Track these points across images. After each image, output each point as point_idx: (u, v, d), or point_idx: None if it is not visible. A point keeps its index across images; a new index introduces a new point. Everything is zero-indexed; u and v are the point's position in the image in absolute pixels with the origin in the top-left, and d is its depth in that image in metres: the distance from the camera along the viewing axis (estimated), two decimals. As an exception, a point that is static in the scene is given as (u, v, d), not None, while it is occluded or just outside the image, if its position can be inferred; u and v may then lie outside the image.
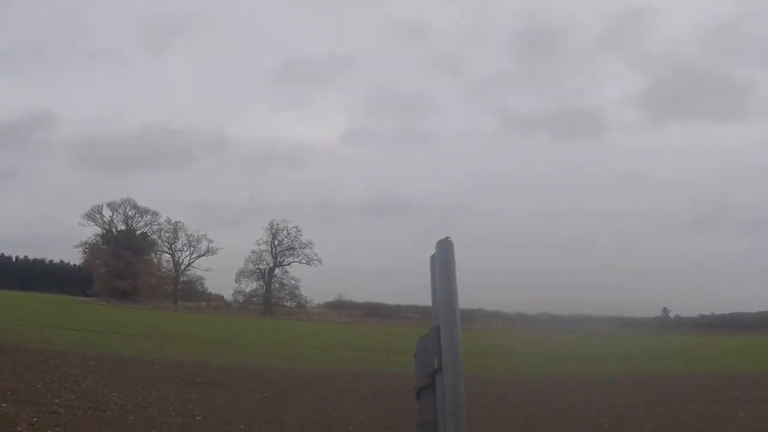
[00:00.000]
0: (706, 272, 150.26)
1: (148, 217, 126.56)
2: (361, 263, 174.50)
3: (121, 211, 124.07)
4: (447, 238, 1.97)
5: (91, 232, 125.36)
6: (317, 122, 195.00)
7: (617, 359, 39.45)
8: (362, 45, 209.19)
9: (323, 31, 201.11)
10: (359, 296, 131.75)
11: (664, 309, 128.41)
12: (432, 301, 2.03)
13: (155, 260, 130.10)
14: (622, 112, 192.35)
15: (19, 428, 11.28)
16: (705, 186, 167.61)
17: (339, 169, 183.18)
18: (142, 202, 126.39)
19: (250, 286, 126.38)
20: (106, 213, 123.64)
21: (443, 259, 1.92)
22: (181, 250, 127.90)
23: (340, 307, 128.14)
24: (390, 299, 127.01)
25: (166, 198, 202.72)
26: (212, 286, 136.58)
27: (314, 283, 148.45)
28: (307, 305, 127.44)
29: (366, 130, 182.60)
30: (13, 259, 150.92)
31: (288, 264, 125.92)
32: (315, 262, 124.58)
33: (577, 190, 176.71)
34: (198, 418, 13.79)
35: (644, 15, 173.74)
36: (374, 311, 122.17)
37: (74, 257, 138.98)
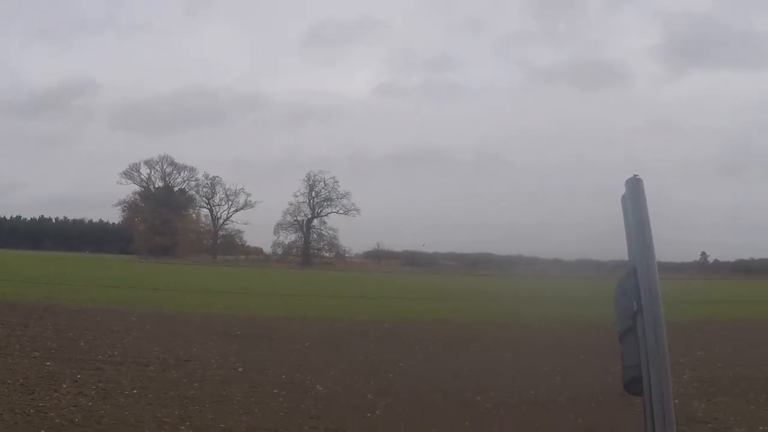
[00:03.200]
0: (740, 218, 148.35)
1: (186, 173, 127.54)
2: (398, 213, 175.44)
3: (158, 168, 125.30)
4: (635, 175, 1.85)
5: (130, 190, 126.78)
6: (348, 79, 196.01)
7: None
8: (391, 6, 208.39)
9: None
10: (398, 245, 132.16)
11: (703, 253, 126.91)
12: (627, 242, 1.92)
13: (194, 215, 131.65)
14: (643, 64, 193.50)
15: (64, 385, 11.37)
16: (730, 133, 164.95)
17: (371, 124, 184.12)
18: (179, 160, 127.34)
19: (289, 237, 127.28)
20: (144, 171, 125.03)
21: (634, 198, 1.84)
22: (219, 205, 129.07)
23: (378, 256, 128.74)
24: (428, 248, 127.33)
25: (203, 156, 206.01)
26: (251, 239, 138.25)
27: (352, 233, 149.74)
28: (346, 255, 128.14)
29: (396, 86, 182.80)
30: (53, 221, 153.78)
31: (326, 215, 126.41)
32: (353, 212, 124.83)
33: (604, 140, 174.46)
34: (240, 369, 13.83)
35: None
36: (412, 260, 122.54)
37: (114, 217, 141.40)
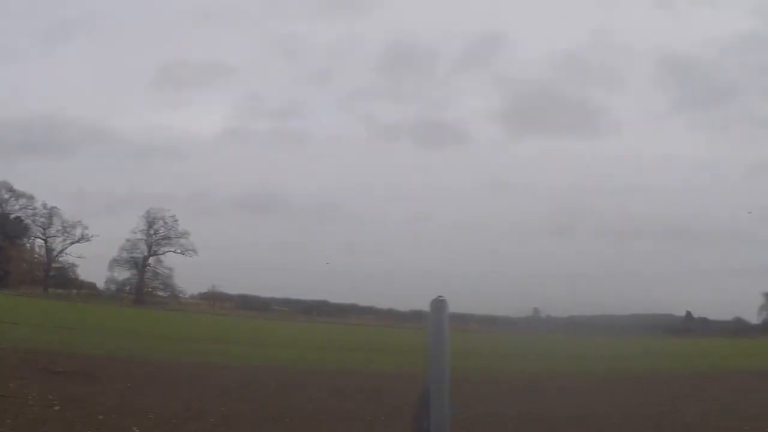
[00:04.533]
0: (571, 276, 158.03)
1: (24, 201, 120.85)
2: (236, 255, 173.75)
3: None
4: (440, 297, 1.93)
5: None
6: (197, 120, 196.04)
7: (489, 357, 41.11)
8: (243, 53, 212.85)
9: (208, 37, 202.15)
10: (233, 288, 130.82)
11: (535, 309, 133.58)
12: (427, 356, 1.97)
13: (28, 245, 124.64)
14: (483, 126, 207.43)
15: None
16: (562, 195, 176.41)
17: (217, 166, 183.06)
18: (19, 188, 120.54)
19: (123, 274, 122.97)
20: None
21: (436, 320, 1.87)
22: (54, 236, 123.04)
23: (213, 298, 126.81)
24: (264, 292, 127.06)
25: (45, 185, 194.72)
26: (85, 274, 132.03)
27: (189, 273, 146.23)
28: (181, 295, 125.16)
29: (244, 130, 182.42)
30: None
31: (163, 253, 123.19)
32: (190, 252, 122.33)
33: (442, 198, 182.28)
34: (56, 408, 13.72)
35: (502, 39, 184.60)
36: (247, 303, 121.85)
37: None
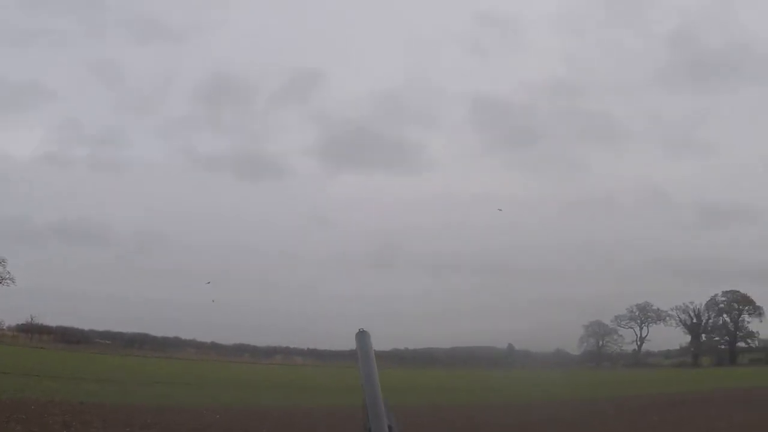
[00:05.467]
0: (392, 308, 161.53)
1: None
2: (57, 286, 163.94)
3: None
4: (361, 329, 2.03)
5: None
6: (12, 143, 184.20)
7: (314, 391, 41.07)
8: (61, 77, 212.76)
9: (25, 57, 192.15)
10: (52, 320, 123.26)
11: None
12: (362, 383, 1.99)
13: None
14: (302, 161, 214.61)
15: None
16: (382, 231, 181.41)
17: (33, 192, 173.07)
18: None
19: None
20: None
21: (363, 350, 1.97)
22: None
23: (31, 330, 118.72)
24: (85, 324, 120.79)
25: None
26: None
27: (6, 304, 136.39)
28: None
29: (61, 156, 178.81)
30: None
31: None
32: (7, 281, 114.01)
33: (264, 230, 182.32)
34: None
35: (321, 77, 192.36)
36: (67, 336, 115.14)
37: None
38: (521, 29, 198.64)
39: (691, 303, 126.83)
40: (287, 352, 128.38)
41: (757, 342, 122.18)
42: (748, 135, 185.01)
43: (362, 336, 1.92)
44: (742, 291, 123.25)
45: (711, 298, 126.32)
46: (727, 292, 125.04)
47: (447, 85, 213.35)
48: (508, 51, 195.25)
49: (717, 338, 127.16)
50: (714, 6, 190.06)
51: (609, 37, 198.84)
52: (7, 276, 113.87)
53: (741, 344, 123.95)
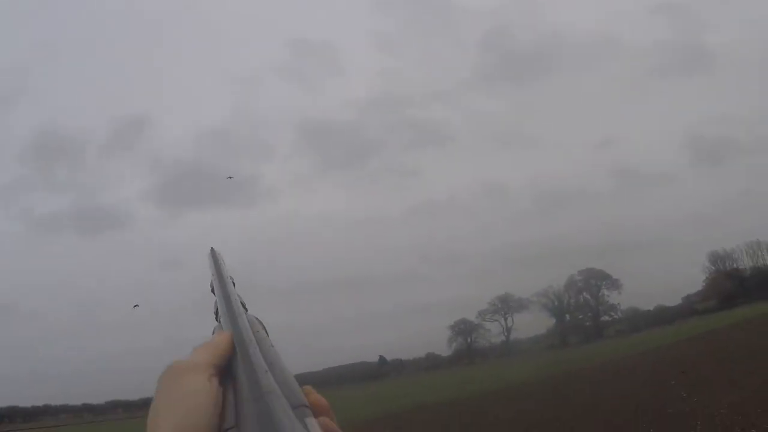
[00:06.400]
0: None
1: None
2: None
3: None
4: (212, 248, 1.87)
5: None
6: None
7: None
8: None
9: None
10: None
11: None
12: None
13: None
14: (141, 207, 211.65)
15: None
16: (231, 265, 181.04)
17: None
18: None
19: None
20: None
21: (212, 268, 1.80)
22: None
23: None
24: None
25: None
26: None
27: None
28: None
29: None
30: None
31: None
32: None
33: (113, 283, 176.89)
34: None
35: (146, 122, 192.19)
36: None
37: None
38: (337, 52, 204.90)
39: (550, 287, 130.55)
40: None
41: (619, 313, 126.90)
42: (570, 120, 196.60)
43: (213, 255, 1.86)
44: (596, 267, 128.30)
45: (568, 279, 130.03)
46: (582, 270, 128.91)
47: (273, 114, 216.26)
48: (328, 74, 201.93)
49: (581, 316, 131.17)
50: (520, 4, 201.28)
51: (423, 49, 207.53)
52: None
53: (605, 318, 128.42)
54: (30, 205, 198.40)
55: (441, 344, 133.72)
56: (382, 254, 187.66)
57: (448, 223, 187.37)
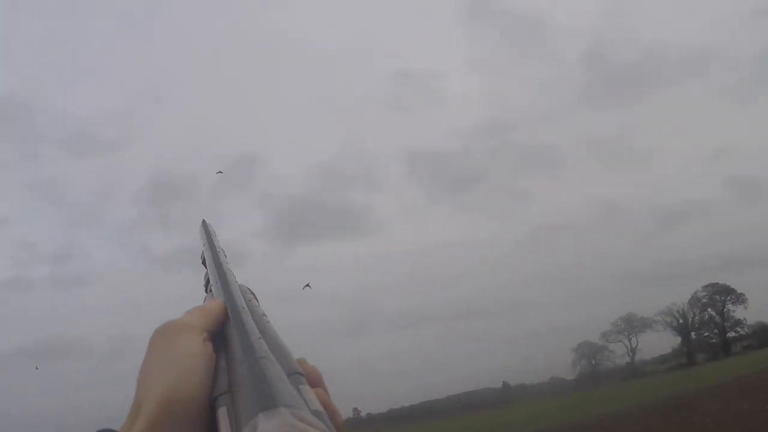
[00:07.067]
0: (376, 371, 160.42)
1: None
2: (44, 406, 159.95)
3: None
4: (204, 220, 1.92)
5: None
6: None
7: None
8: (6, 206, 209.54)
9: None
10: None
11: (355, 409, 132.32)
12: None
13: None
14: (256, 243, 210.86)
15: None
16: (348, 296, 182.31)
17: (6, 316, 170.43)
18: None
19: None
20: None
21: (204, 239, 1.84)
22: None
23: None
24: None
25: None
26: None
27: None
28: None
29: (21, 279, 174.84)
30: None
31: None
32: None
33: None
34: None
35: (257, 160, 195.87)
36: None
37: None
38: (438, 81, 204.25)
39: (673, 305, 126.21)
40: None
41: (746, 328, 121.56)
42: (678, 134, 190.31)
43: (205, 226, 1.84)
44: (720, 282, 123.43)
45: (692, 296, 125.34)
46: (706, 286, 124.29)
47: (379, 146, 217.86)
48: (431, 103, 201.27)
49: (707, 333, 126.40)
50: (615, 21, 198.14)
51: (523, 72, 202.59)
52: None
53: (731, 334, 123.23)
54: (148, 244, 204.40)
55: (565, 367, 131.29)
56: (499, 280, 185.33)
57: (564, 246, 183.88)
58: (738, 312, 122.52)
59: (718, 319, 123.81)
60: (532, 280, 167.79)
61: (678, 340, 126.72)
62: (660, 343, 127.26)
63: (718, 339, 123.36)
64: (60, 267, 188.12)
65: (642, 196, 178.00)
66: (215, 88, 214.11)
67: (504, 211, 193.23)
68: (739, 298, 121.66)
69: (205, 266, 1.65)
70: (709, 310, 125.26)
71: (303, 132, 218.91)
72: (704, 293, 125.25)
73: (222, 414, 0.97)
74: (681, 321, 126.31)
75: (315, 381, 1.07)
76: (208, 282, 1.54)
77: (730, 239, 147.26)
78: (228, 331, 1.15)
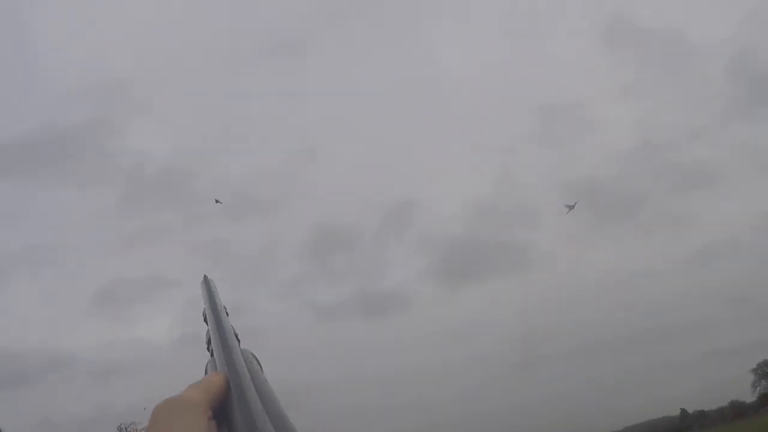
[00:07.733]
0: (554, 402, 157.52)
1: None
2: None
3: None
4: (205, 275, 1.95)
5: None
6: (150, 329, 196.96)
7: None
8: (174, 267, 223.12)
9: (139, 256, 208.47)
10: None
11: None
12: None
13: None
14: (421, 286, 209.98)
15: None
16: (517, 332, 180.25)
17: (178, 367, 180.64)
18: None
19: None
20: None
21: (207, 296, 1.83)
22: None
23: None
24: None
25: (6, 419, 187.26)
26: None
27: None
28: None
29: (195, 334, 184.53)
30: None
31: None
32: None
33: (401, 361, 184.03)
34: None
35: (415, 204, 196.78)
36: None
37: None
38: (585, 110, 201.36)
39: None
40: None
41: None
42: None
43: (206, 282, 1.88)
44: None
45: None
46: None
47: (533, 180, 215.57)
48: (581, 132, 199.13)
49: None
50: (755, 28, 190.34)
51: (669, 90, 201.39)
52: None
53: None
54: (314, 297, 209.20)
55: (744, 390, 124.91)
56: (668, 304, 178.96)
57: (734, 264, 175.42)
58: None
59: None
60: (703, 301, 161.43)
61: None
62: None
63: None
64: (234, 322, 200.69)
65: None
66: (366, 138, 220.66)
67: (666, 233, 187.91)
68: None
69: (207, 323, 1.61)
70: None
71: (455, 173, 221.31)
72: None
73: None
74: None
75: None
76: (209, 341, 1.51)
77: None
78: (230, 405, 1.17)
